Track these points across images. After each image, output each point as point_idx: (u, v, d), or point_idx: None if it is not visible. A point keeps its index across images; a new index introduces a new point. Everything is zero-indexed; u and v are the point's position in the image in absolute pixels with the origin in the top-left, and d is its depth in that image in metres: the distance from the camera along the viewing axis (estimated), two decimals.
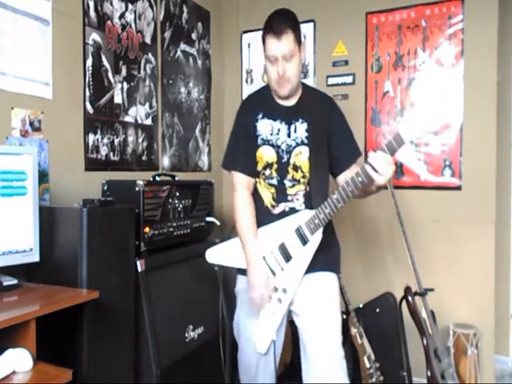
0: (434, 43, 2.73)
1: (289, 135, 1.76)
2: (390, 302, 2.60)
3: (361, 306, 2.62)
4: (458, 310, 2.67)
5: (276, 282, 1.73)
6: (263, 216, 1.76)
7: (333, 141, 1.77)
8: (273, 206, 1.77)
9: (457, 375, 2.37)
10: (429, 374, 2.20)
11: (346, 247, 2.93)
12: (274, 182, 1.77)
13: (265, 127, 1.78)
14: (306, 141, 1.74)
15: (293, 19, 1.70)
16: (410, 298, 2.26)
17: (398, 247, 2.64)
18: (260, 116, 1.79)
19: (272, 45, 1.67)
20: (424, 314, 2.26)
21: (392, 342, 2.51)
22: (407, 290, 2.28)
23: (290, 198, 1.76)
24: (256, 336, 1.76)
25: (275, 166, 1.76)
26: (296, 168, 1.75)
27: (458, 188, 2.70)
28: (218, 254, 1.83)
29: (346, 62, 2.98)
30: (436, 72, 2.73)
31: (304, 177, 1.76)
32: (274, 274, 1.73)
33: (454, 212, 2.71)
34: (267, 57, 1.70)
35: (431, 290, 2.28)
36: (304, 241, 1.69)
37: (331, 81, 3.02)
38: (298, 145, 1.75)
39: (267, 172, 1.77)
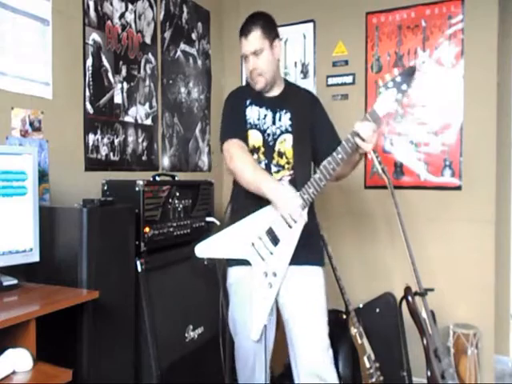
0: (434, 43, 2.73)
1: (274, 122, 1.86)
2: (390, 302, 2.60)
3: (361, 306, 2.62)
4: (457, 310, 2.67)
5: (266, 267, 1.77)
6: (250, 201, 1.81)
7: (316, 132, 1.87)
8: None
9: (457, 375, 2.37)
10: (429, 373, 2.20)
11: (346, 247, 2.95)
12: (262, 165, 1.84)
13: (253, 112, 1.88)
14: (289, 129, 1.84)
15: (261, 18, 1.84)
16: (410, 298, 2.26)
17: (397, 247, 2.64)
18: (248, 102, 1.89)
19: (242, 44, 1.83)
20: (424, 314, 2.26)
21: (392, 342, 2.51)
22: (407, 289, 2.28)
23: None
24: (251, 323, 1.80)
25: (262, 149, 1.85)
26: (281, 154, 1.85)
27: (458, 188, 2.70)
28: (206, 248, 1.86)
29: (346, 62, 2.98)
30: (436, 72, 2.73)
31: (288, 163, 1.84)
32: (263, 259, 1.77)
33: (453, 212, 2.71)
34: (241, 56, 1.87)
35: (431, 290, 2.28)
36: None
37: (331, 81, 3.02)
38: (282, 133, 1.85)
39: (255, 156, 1.85)
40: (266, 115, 1.87)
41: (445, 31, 2.71)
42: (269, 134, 1.85)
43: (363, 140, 1.58)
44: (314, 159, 1.90)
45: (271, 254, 1.76)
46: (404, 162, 2.83)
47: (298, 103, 1.87)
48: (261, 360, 1.86)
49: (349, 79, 2.97)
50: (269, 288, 1.77)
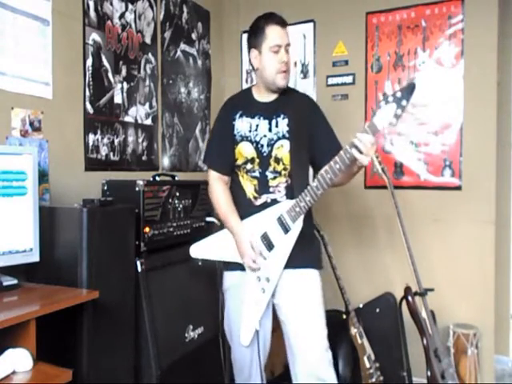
0: (434, 43, 2.73)
1: (270, 129, 1.82)
2: (390, 302, 2.61)
3: (361, 306, 2.62)
4: (458, 310, 2.67)
5: (259, 272, 1.77)
6: (246, 208, 1.82)
7: (315, 137, 1.84)
8: (255, 198, 1.83)
9: (457, 375, 2.37)
10: (429, 374, 2.20)
11: (346, 247, 2.95)
12: (257, 174, 1.83)
13: (243, 125, 1.85)
14: (287, 135, 1.81)
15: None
16: (410, 298, 2.26)
17: (397, 247, 2.64)
18: (238, 115, 1.86)
19: (278, 33, 1.76)
20: (424, 314, 2.26)
21: (392, 342, 2.51)
22: (407, 289, 2.29)
23: (271, 189, 1.81)
24: (240, 328, 1.80)
25: (256, 160, 1.83)
26: (277, 160, 1.82)
27: (458, 188, 2.70)
28: (201, 249, 1.88)
29: (346, 62, 2.98)
30: (436, 72, 2.73)
31: (285, 169, 1.81)
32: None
33: (453, 212, 2.71)
34: (270, 46, 1.76)
35: (431, 289, 2.29)
36: (286, 229, 1.73)
37: (331, 81, 3.02)
38: (279, 138, 1.82)
39: (249, 166, 1.84)
40: (258, 125, 1.83)
41: (445, 31, 2.71)
42: (262, 145, 1.82)
43: (361, 152, 1.56)
44: (312, 165, 1.89)
45: (265, 259, 1.76)
46: (404, 162, 2.83)
47: (296, 108, 1.84)
48: (257, 365, 1.86)
49: (349, 79, 2.97)
50: (261, 293, 1.78)
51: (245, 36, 3.51)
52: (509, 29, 2.93)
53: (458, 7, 2.67)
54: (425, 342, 2.23)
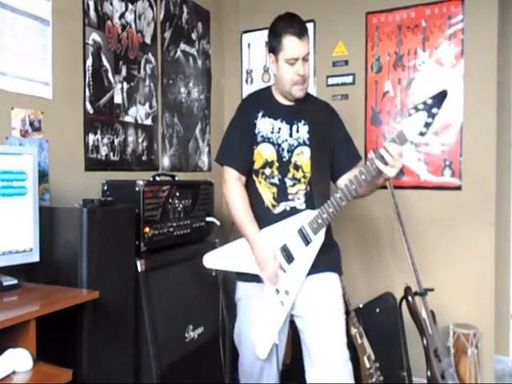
0: (434, 43, 2.73)
1: (291, 135, 1.76)
2: (390, 302, 2.61)
3: (361, 306, 2.62)
4: (457, 310, 2.67)
5: (278, 285, 1.71)
6: (264, 216, 1.75)
7: (334, 145, 1.79)
8: (273, 206, 1.76)
9: (457, 375, 2.37)
10: (429, 374, 2.20)
11: (346, 247, 2.93)
12: (276, 180, 1.76)
13: (265, 125, 1.77)
14: (307, 142, 1.75)
15: (303, 21, 1.72)
16: (410, 298, 2.26)
17: (397, 247, 2.64)
18: (260, 114, 1.78)
19: (295, 45, 1.66)
20: (424, 314, 2.26)
21: (392, 342, 2.51)
22: (407, 289, 2.28)
23: (290, 197, 1.75)
24: (257, 340, 1.73)
25: (276, 164, 1.76)
26: (297, 167, 1.75)
27: (458, 188, 2.70)
28: (215, 259, 1.81)
29: (346, 62, 2.98)
30: (436, 72, 2.73)
31: (305, 176, 1.76)
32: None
33: (453, 212, 2.71)
34: (286, 59, 1.68)
35: (431, 290, 2.29)
36: (307, 241, 1.68)
37: (331, 81, 3.02)
38: (299, 144, 1.76)
39: (267, 171, 1.76)
40: (280, 128, 1.76)
41: (445, 31, 2.71)
42: (283, 149, 1.75)
43: (386, 164, 1.50)
44: (331, 174, 1.83)
45: (284, 271, 1.70)
46: (404, 162, 2.83)
47: (316, 114, 1.78)
48: (270, 375, 1.79)
49: (349, 79, 2.97)
50: (280, 306, 1.71)
51: (245, 36, 3.52)
52: (509, 29, 2.93)
53: (458, 7, 2.67)
54: (425, 342, 2.23)
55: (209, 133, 3.18)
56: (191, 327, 2.10)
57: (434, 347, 2.23)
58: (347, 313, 2.45)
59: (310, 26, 3.06)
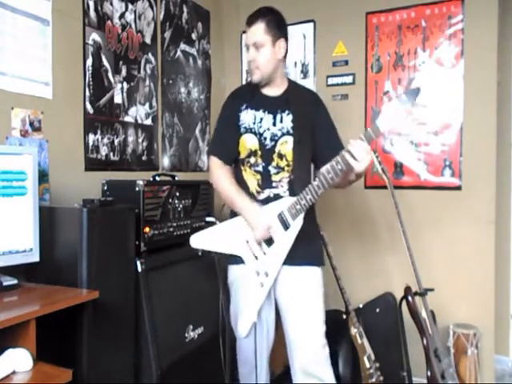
0: (434, 43, 2.73)
1: (274, 124, 1.84)
2: (390, 302, 2.61)
3: (361, 306, 2.62)
4: (458, 310, 2.67)
5: (258, 266, 1.78)
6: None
7: (318, 135, 1.86)
8: (258, 192, 1.84)
9: (457, 375, 2.37)
10: (429, 374, 2.20)
11: (346, 247, 2.95)
12: (260, 168, 1.84)
13: (248, 116, 1.86)
14: (291, 131, 1.82)
15: (269, 13, 1.81)
16: (410, 298, 2.26)
17: (397, 247, 2.64)
18: (243, 107, 1.88)
19: (246, 33, 1.83)
20: (424, 314, 2.26)
21: (392, 342, 2.51)
22: (407, 289, 2.29)
23: (274, 184, 1.83)
24: (238, 319, 1.83)
25: (259, 152, 1.84)
26: (281, 156, 1.83)
27: (458, 188, 2.70)
28: (202, 239, 1.88)
29: (346, 62, 2.98)
30: (436, 72, 2.73)
31: (288, 165, 1.83)
32: (256, 258, 1.78)
33: (453, 212, 2.71)
34: (245, 45, 1.87)
35: (431, 290, 2.29)
36: (286, 226, 1.74)
37: (331, 81, 3.02)
38: (283, 134, 1.83)
39: (252, 160, 1.85)
40: (262, 118, 1.84)
41: (445, 31, 2.71)
42: (265, 138, 1.83)
43: (355, 159, 1.57)
44: (313, 161, 1.91)
45: (264, 254, 1.77)
46: (404, 162, 2.83)
47: (301, 104, 1.85)
48: (261, 357, 1.88)
49: (349, 79, 2.97)
50: (260, 287, 1.79)
51: (245, 36, 3.53)
52: (509, 29, 2.93)
53: (458, 7, 2.67)
54: (425, 342, 2.23)
55: (209, 133, 3.18)
56: (191, 327, 2.10)
57: (433, 347, 2.23)
58: (347, 313, 2.46)
59: (310, 26, 3.07)
